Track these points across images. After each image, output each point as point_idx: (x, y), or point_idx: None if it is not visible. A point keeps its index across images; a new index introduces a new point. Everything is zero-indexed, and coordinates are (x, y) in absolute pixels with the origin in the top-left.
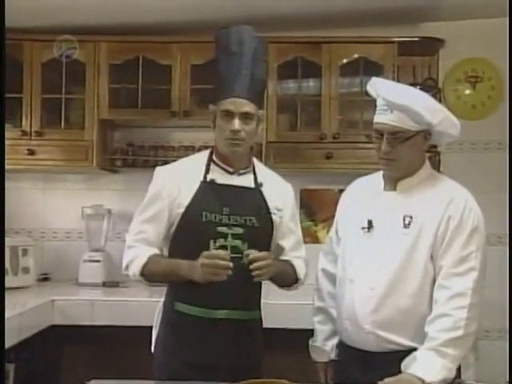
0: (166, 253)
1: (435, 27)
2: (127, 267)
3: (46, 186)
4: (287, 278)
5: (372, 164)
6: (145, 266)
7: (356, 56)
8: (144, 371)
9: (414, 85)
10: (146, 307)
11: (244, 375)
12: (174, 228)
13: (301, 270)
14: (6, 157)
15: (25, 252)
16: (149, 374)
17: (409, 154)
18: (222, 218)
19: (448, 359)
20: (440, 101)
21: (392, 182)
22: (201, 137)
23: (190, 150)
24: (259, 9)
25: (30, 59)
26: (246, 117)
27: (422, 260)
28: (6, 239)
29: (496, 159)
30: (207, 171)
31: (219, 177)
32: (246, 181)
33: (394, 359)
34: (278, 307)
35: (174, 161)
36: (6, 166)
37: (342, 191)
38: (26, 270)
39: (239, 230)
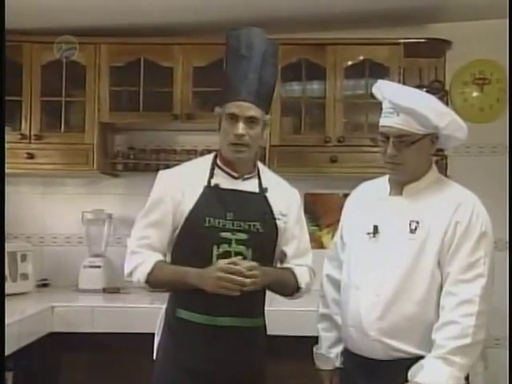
0: (168, 258)
1: (442, 28)
2: (131, 274)
3: (45, 190)
4: (286, 287)
5: (377, 168)
6: (150, 273)
7: (361, 58)
8: (145, 379)
9: (420, 87)
10: (147, 314)
11: None
12: (176, 233)
13: (302, 279)
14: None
15: (24, 258)
16: (150, 382)
17: (415, 158)
18: (225, 224)
19: (456, 368)
20: (447, 103)
21: (398, 187)
22: (203, 140)
23: (193, 153)
24: (262, 10)
25: (29, 61)
26: (250, 121)
27: (428, 266)
28: (5, 245)
29: (504, 163)
30: (211, 176)
31: (223, 181)
32: (251, 186)
33: (400, 367)
34: (281, 314)
35: (176, 165)
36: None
37: (346, 196)
38: (24, 276)
39: (243, 236)
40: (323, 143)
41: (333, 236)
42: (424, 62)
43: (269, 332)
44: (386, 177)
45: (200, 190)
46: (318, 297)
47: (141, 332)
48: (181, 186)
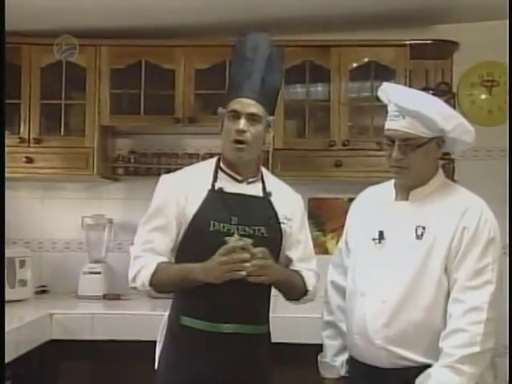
0: None
1: (449, 29)
2: (134, 278)
3: (44, 194)
4: (294, 288)
5: (383, 172)
6: (154, 274)
7: (366, 60)
8: None
9: (426, 89)
10: (148, 321)
11: None
12: (180, 237)
13: (310, 281)
14: None
15: (22, 263)
16: None
17: (421, 162)
18: (230, 228)
19: (464, 377)
20: (454, 106)
21: (404, 191)
22: (205, 144)
23: (195, 157)
24: (265, 11)
25: (28, 64)
26: (252, 118)
27: (435, 272)
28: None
29: None
30: (215, 179)
31: (227, 185)
32: (255, 190)
33: (406, 376)
34: (285, 321)
35: (178, 169)
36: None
37: (351, 200)
38: (23, 283)
39: (248, 241)
40: (328, 147)
41: (337, 241)
42: (430, 64)
43: (272, 339)
44: (392, 181)
45: (204, 194)
46: (322, 303)
47: (142, 339)
48: (184, 191)
